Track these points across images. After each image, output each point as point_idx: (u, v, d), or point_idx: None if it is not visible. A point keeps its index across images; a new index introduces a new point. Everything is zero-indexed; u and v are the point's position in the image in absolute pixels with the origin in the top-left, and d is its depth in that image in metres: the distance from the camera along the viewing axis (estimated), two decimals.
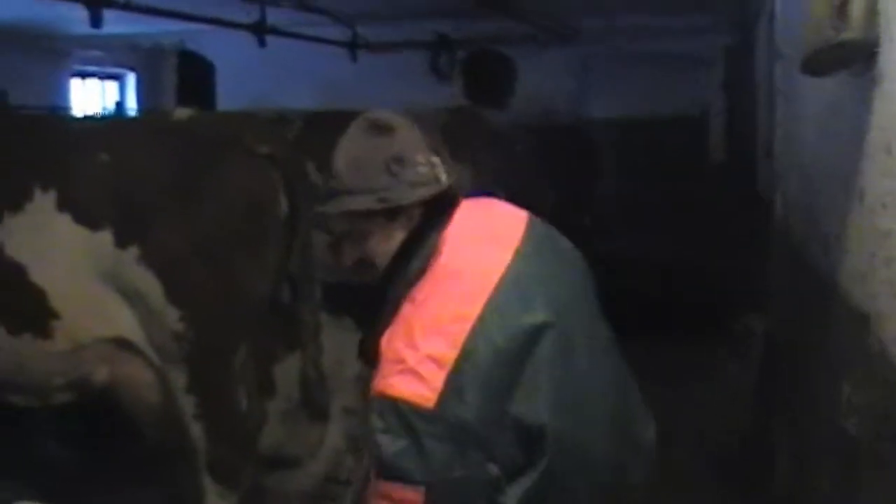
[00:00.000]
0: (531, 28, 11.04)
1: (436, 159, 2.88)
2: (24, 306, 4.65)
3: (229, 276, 4.77)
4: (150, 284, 4.61)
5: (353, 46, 12.24)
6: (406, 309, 2.71)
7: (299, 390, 5.30)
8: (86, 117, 10.23)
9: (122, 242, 4.59)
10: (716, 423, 5.67)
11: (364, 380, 3.22)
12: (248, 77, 12.88)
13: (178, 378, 4.75)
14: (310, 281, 5.28)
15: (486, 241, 2.80)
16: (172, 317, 4.65)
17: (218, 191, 4.76)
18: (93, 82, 13.98)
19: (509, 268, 2.71)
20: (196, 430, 4.81)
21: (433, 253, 2.76)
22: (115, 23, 9.22)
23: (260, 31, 10.08)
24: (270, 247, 4.94)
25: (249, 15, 9.90)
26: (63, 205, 4.60)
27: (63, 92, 13.01)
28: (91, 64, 13.61)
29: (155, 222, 4.63)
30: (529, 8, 9.89)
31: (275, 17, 10.16)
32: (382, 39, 12.47)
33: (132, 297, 4.66)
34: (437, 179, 2.86)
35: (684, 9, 10.45)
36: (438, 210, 2.85)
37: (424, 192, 2.83)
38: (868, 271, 2.85)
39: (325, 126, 8.14)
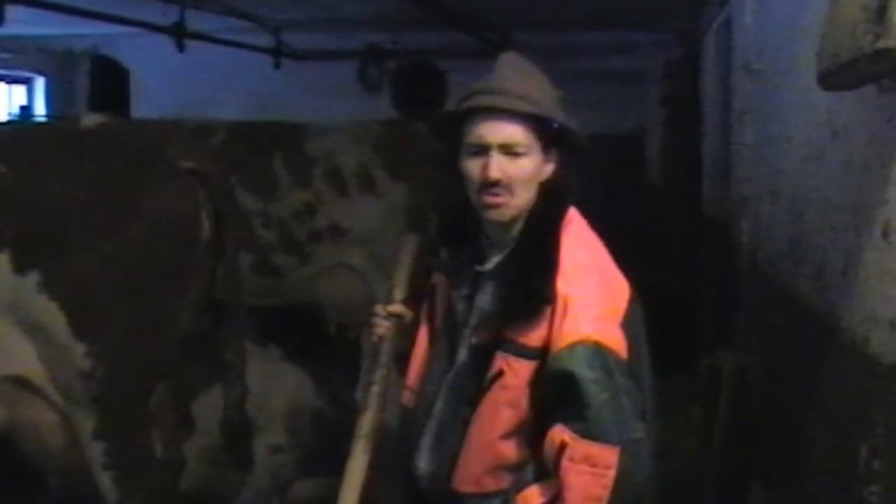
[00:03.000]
0: (469, 41, 10.65)
1: None
2: None
3: (145, 306, 4.27)
4: (53, 316, 4.08)
5: (277, 54, 11.79)
6: (571, 254, 2.64)
7: (221, 434, 4.77)
8: None
9: (21, 268, 4.04)
10: (676, 470, 5.27)
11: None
12: (167, 85, 12.66)
13: (86, 422, 4.24)
14: (236, 311, 4.77)
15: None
16: (79, 352, 4.12)
17: (134, 210, 4.25)
18: None
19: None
20: (105, 480, 4.29)
21: (573, 204, 2.77)
22: (25, 23, 8.68)
23: (178, 34, 9.49)
24: (192, 273, 4.46)
25: (168, 18, 9.35)
26: None
27: None
28: None
29: (60, 245, 4.09)
30: (468, 21, 9.51)
31: (197, 23, 9.62)
32: (309, 48, 12.11)
33: (33, 329, 4.13)
34: None
35: (623, 24, 10.15)
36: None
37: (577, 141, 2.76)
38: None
39: (249, 137, 7.73)
